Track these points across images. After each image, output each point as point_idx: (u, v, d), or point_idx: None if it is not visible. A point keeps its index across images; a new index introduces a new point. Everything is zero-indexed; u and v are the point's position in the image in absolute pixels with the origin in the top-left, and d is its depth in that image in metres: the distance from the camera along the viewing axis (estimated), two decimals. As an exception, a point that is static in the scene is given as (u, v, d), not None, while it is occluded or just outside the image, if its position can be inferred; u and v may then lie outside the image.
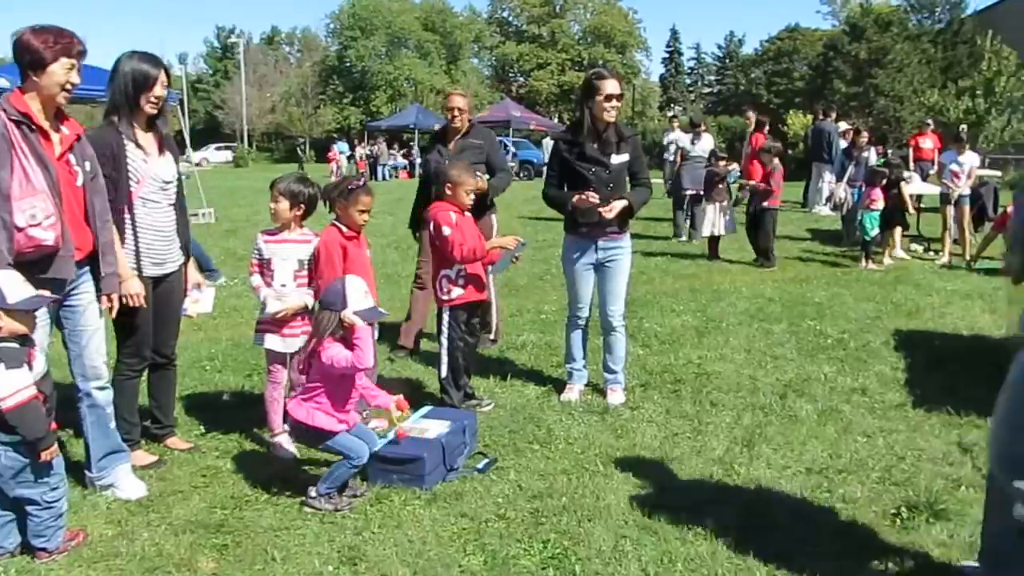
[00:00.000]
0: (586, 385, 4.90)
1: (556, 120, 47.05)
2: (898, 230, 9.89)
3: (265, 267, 3.98)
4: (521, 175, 29.54)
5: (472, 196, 4.44)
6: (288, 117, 51.60)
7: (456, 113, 5.39)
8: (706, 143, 11.44)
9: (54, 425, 2.94)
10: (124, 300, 3.48)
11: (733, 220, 9.91)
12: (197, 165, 27.13)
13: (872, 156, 11.14)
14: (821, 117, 15.06)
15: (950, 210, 9.98)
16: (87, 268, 3.30)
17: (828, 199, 12.45)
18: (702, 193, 10.79)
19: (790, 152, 29.22)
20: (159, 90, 3.59)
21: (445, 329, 4.40)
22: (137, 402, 3.87)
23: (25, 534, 2.96)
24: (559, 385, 4.95)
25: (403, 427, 3.80)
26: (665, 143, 15.67)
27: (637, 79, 59.13)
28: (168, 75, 3.68)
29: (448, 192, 4.37)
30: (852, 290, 7.93)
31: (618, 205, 4.39)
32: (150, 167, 3.63)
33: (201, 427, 4.33)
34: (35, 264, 3.00)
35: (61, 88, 3.06)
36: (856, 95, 37.57)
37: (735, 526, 3.23)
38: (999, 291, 7.61)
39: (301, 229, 4.00)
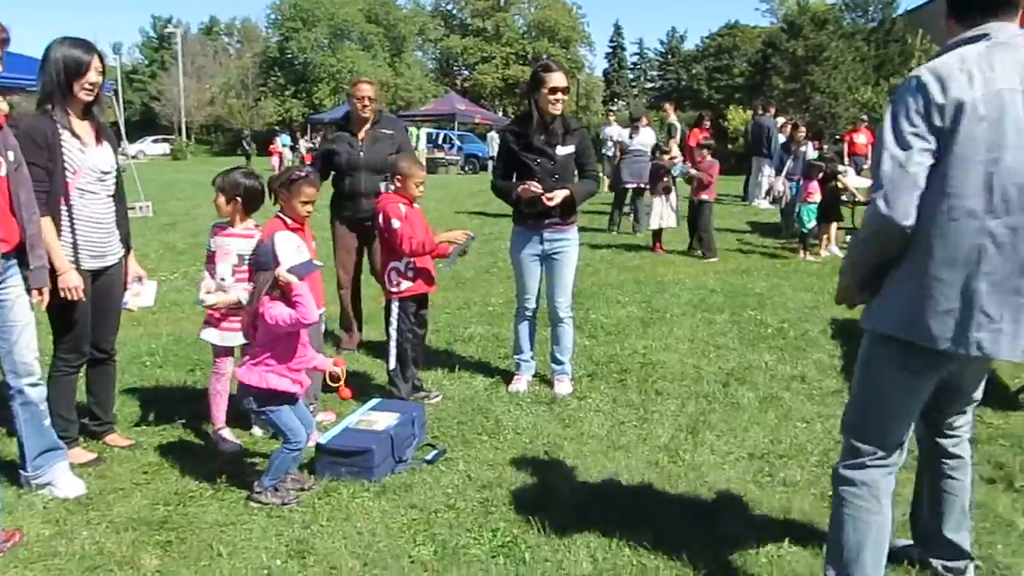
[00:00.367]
0: (534, 376, 4.93)
1: (501, 114, 47.08)
2: (834, 225, 10.16)
3: (211, 261, 3.96)
4: (466, 168, 29.51)
5: (422, 188, 4.43)
6: (228, 109, 50.51)
7: (366, 102, 5.19)
8: (645, 137, 11.56)
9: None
10: (63, 294, 3.38)
11: (678, 214, 10.06)
12: (133, 158, 26.34)
13: (809, 151, 11.41)
14: (760, 112, 15.37)
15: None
16: (14, 261, 3.19)
17: (768, 193, 12.74)
18: (643, 186, 10.95)
19: (730, 147, 29.82)
20: (93, 76, 3.48)
21: (394, 321, 4.38)
22: (75, 398, 3.77)
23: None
24: (507, 376, 4.97)
25: (350, 420, 3.80)
26: (602, 138, 15.80)
27: (581, 74, 59.46)
28: (102, 61, 3.58)
29: (398, 184, 4.35)
30: (791, 281, 8.13)
31: (560, 194, 4.42)
32: (87, 157, 3.53)
33: (142, 423, 4.24)
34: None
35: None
36: (794, 91, 38.34)
37: (681, 511, 3.30)
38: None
39: (245, 223, 3.95)
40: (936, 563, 2.73)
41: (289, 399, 3.39)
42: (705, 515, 3.26)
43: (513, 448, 3.94)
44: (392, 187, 4.83)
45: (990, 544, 2.99)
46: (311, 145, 30.83)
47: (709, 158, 9.71)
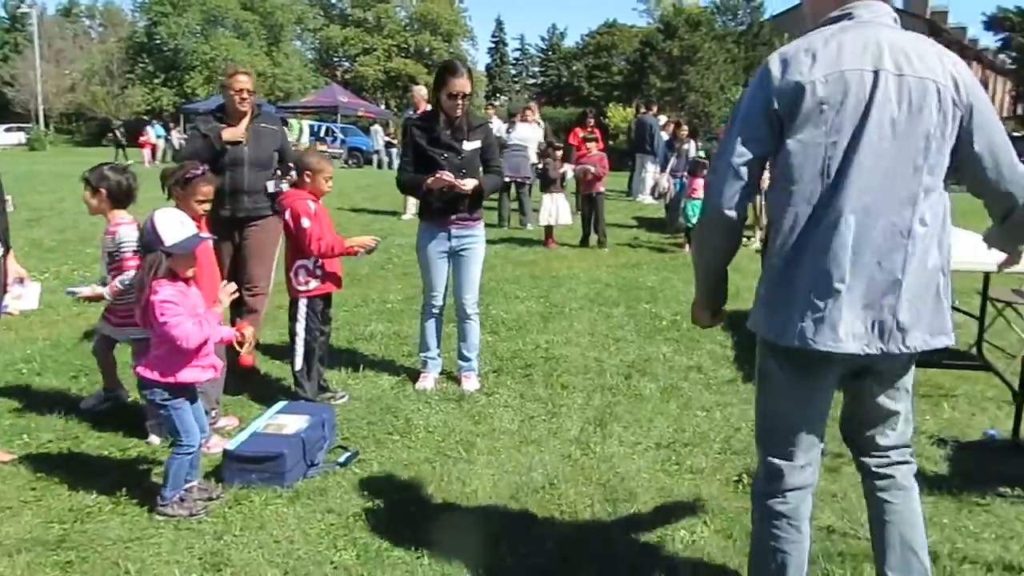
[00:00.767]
0: (440, 373, 4.91)
1: (383, 107, 46.45)
2: None
3: None
4: (350, 163, 28.95)
5: (330, 183, 4.35)
6: (91, 97, 47.52)
7: (244, 95, 4.72)
8: (523, 132, 11.73)
9: None
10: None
11: (569, 210, 10.24)
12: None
13: (692, 148, 11.86)
14: (643, 111, 15.85)
15: (759, 198, 10.80)
16: None
17: (653, 188, 13.15)
18: (521, 180, 11.14)
19: (611, 143, 30.54)
20: None
21: (302, 320, 4.27)
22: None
23: None
24: (412, 374, 4.93)
25: (257, 424, 3.69)
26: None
27: (464, 68, 59.45)
28: None
29: (307, 180, 4.24)
30: (680, 274, 8.43)
31: (471, 182, 4.44)
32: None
33: (24, 436, 3.95)
34: None
35: None
36: (670, 90, 39.73)
37: (597, 501, 3.38)
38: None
39: (116, 219, 3.88)
40: None
41: (193, 395, 3.27)
42: (620, 504, 3.35)
43: (426, 447, 3.92)
44: (283, 185, 4.71)
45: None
46: (186, 137, 29.40)
47: (596, 151, 9.92)
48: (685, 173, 10.92)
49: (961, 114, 2.05)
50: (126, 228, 3.81)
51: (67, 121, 50.72)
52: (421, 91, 11.74)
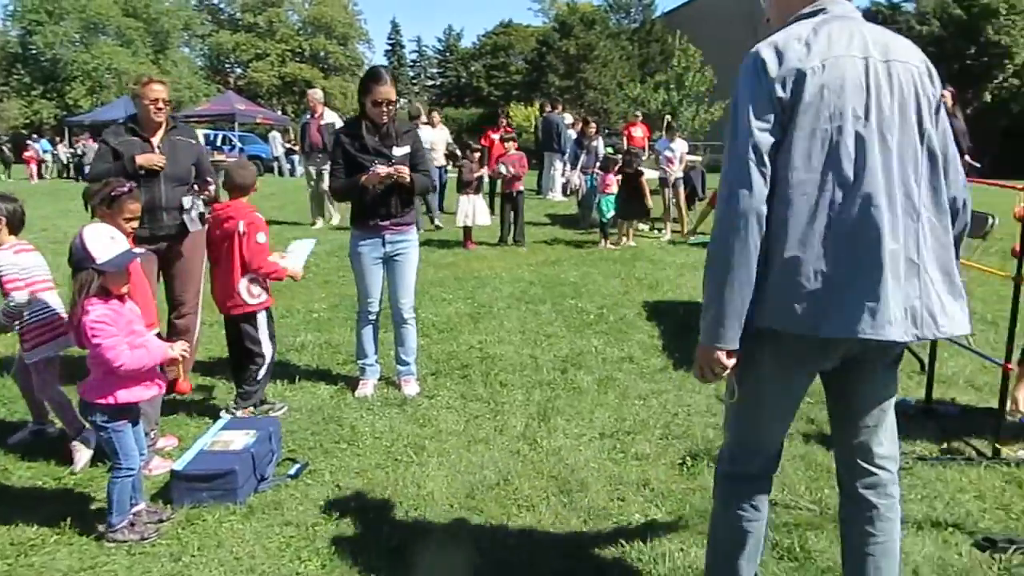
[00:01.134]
0: (379, 379, 4.91)
1: (280, 113, 45.42)
2: (633, 222, 10.76)
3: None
4: (251, 171, 28.15)
5: None
6: (-37, 112, 44.69)
7: (160, 105, 4.46)
8: (428, 135, 11.76)
9: None
10: None
11: (486, 210, 10.33)
12: None
13: (601, 145, 12.13)
14: (549, 109, 16.06)
15: (668, 192, 11.17)
16: None
17: (565, 186, 13.37)
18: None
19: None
20: None
21: (265, 330, 4.27)
22: None
23: None
24: (350, 382, 4.91)
25: (203, 442, 3.62)
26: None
27: (361, 71, 58.77)
28: None
29: (238, 194, 4.19)
30: (599, 269, 8.64)
31: (406, 170, 4.45)
32: None
33: (-54, 472, 3.76)
34: None
35: None
36: (569, 88, 40.37)
37: (551, 493, 3.47)
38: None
39: (11, 242, 3.85)
40: None
41: (135, 416, 3.19)
42: (575, 494, 3.45)
43: (375, 453, 3.92)
44: (199, 201, 4.57)
45: (818, 489, 3.43)
46: (74, 151, 28.06)
47: (514, 150, 10.05)
48: (596, 169, 11.16)
49: (936, 102, 2.10)
50: (3, 253, 3.78)
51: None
52: (317, 95, 11.61)
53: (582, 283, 7.87)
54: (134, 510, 3.19)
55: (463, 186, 9.97)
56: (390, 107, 4.47)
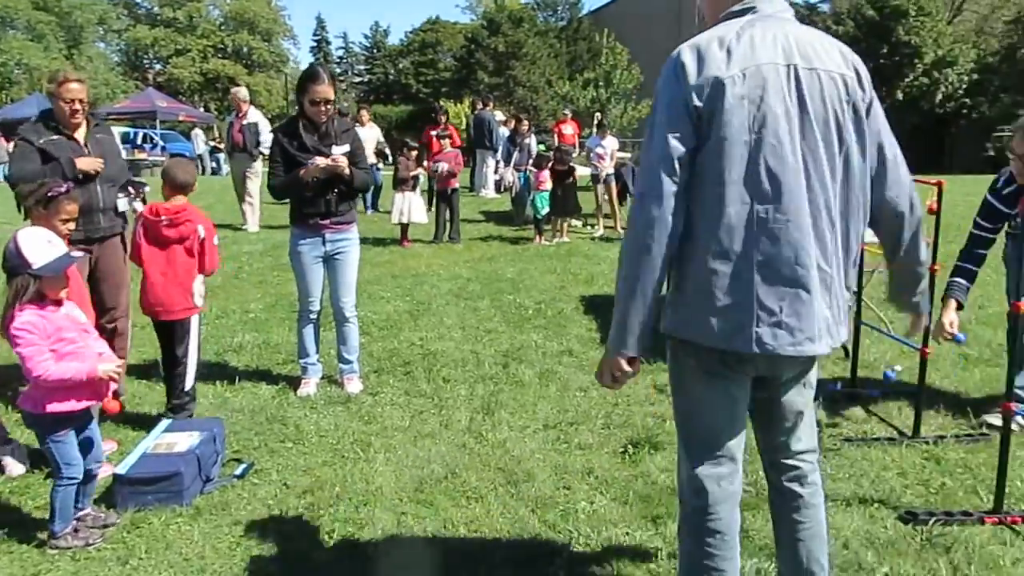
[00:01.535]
0: (321, 378, 4.90)
1: (203, 110, 44.27)
2: (568, 220, 10.88)
3: None
4: (174, 170, 27.41)
5: None
6: None
7: (78, 106, 4.25)
8: (359, 133, 11.73)
9: None
10: None
11: (423, 208, 10.33)
12: None
13: (533, 143, 12.25)
14: (481, 107, 16.12)
15: (600, 188, 11.36)
16: None
17: (498, 183, 13.45)
18: None
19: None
20: None
21: (195, 336, 4.18)
22: None
23: None
24: (292, 381, 4.89)
25: (145, 445, 3.58)
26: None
27: (287, 67, 57.74)
28: None
29: (176, 194, 4.13)
30: (535, 264, 8.74)
31: (343, 161, 4.44)
32: None
33: None
34: None
35: None
36: (498, 85, 40.52)
37: (498, 483, 3.55)
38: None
39: None
40: None
41: (77, 421, 3.11)
42: (522, 484, 3.53)
43: (322, 450, 3.93)
44: (136, 203, 4.50)
45: (754, 471, 3.58)
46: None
47: (449, 147, 10.10)
48: (529, 167, 11.28)
49: (865, 107, 2.06)
50: None
51: None
52: (241, 93, 11.36)
53: (519, 279, 7.96)
54: (79, 514, 3.13)
55: (399, 184, 9.95)
56: (328, 106, 4.47)
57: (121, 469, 3.36)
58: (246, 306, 6.91)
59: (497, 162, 14.15)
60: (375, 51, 64.11)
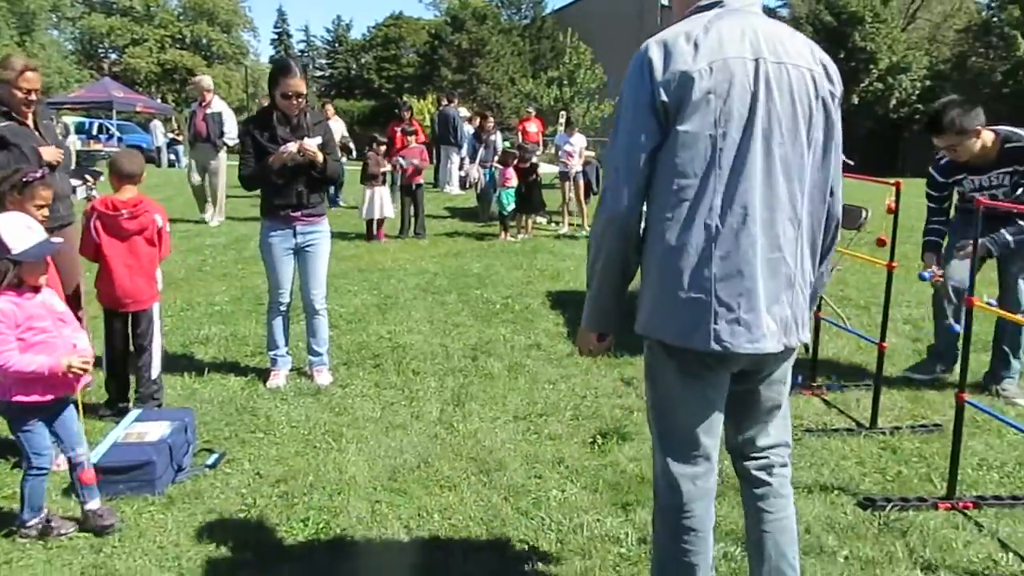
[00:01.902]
0: (291, 370, 4.91)
1: (160, 100, 43.49)
2: (533, 216, 10.95)
3: None
4: (131, 161, 26.89)
5: None
6: None
7: (33, 97, 4.21)
8: None
9: None
10: None
11: (391, 203, 10.32)
12: None
13: (499, 140, 12.30)
14: (445, 103, 16.11)
15: (568, 185, 11.46)
16: None
17: (463, 180, 13.48)
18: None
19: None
20: None
21: (158, 323, 4.15)
22: None
23: None
24: (260, 373, 4.88)
25: (116, 435, 3.56)
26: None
27: (247, 59, 57.04)
28: None
29: (125, 185, 4.11)
30: (501, 260, 8.80)
31: (313, 147, 4.44)
32: None
33: None
34: None
35: None
36: (462, 82, 40.48)
37: (471, 473, 3.60)
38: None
39: None
40: None
41: (46, 412, 3.07)
42: (494, 473, 3.59)
43: (294, 441, 3.94)
44: (94, 191, 4.48)
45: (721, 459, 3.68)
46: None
47: (414, 143, 10.12)
48: (494, 163, 11.33)
49: (836, 102, 2.07)
50: None
51: None
52: (205, 81, 11.14)
53: (486, 274, 8.02)
54: (42, 514, 3.10)
55: (369, 178, 9.93)
56: (299, 99, 4.47)
57: (93, 458, 3.34)
58: (211, 299, 6.85)
59: (462, 159, 14.17)
60: (337, 45, 63.56)
